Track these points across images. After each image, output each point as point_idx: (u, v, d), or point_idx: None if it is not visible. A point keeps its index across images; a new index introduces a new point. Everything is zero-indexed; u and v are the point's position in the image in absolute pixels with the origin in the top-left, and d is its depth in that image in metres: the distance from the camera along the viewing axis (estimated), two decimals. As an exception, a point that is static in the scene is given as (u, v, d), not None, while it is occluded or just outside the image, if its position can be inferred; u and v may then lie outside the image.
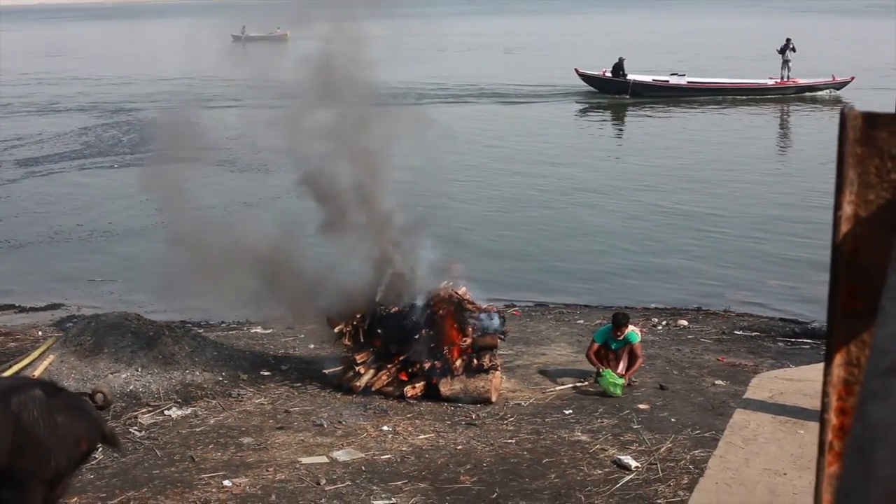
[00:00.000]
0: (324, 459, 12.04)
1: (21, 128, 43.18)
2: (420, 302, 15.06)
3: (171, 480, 11.44)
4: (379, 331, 14.89)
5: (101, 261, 23.80)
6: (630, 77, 51.13)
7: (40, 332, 18.08)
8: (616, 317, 15.14)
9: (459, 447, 12.38)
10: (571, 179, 32.60)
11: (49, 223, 27.21)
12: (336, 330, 15.21)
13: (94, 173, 31.72)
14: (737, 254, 24.00)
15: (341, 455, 12.15)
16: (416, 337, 14.73)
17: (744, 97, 50.54)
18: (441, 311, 14.94)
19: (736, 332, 18.21)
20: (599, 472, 11.50)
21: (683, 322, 18.86)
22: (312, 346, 17.32)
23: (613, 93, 51.54)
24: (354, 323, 15.01)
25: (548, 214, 28.09)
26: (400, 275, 15.40)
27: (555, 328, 18.35)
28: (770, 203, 28.65)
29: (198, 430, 13.17)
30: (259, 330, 18.76)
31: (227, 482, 11.33)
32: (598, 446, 12.28)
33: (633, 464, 11.59)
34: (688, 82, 51.27)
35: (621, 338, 14.78)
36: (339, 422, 13.36)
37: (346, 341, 15.07)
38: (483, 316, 15.18)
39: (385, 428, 13.12)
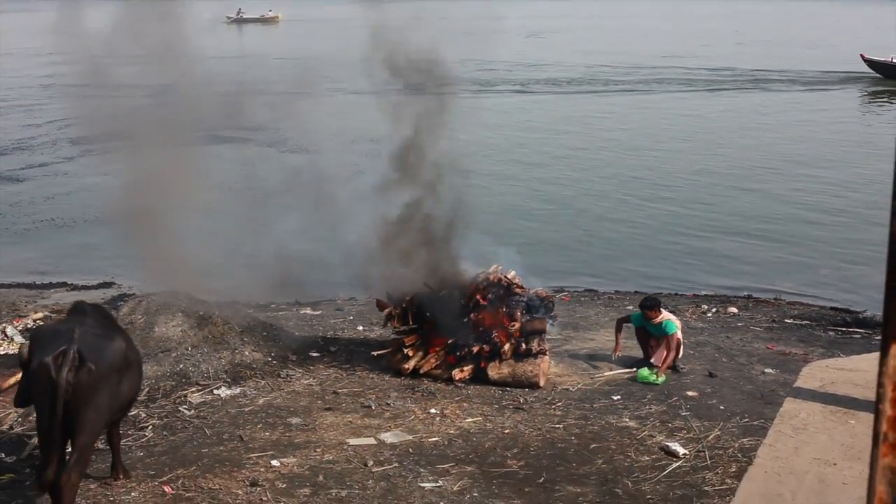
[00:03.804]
0: (371, 441, 12.08)
1: (76, 106, 43.45)
2: (469, 285, 15.06)
3: (219, 459, 11.52)
4: (428, 314, 14.89)
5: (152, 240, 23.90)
6: None
7: (92, 310, 18.22)
8: (642, 301, 15.18)
9: (507, 431, 12.38)
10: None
11: (100, 202, 27.46)
12: (385, 312, 15.24)
13: (148, 152, 32.01)
14: (789, 240, 23.84)
15: (389, 437, 12.19)
16: (465, 320, 14.73)
17: None
18: (490, 296, 14.93)
19: (786, 320, 18.08)
20: (647, 458, 11.46)
21: (733, 309, 18.76)
22: (361, 327, 17.38)
23: None
24: (403, 305, 15.02)
25: (615, 203, 28.05)
26: (450, 258, 15.40)
27: (604, 314, 18.29)
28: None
29: (247, 409, 13.25)
30: (308, 311, 18.86)
31: (275, 462, 11.40)
32: (646, 433, 12.24)
33: (681, 451, 11.55)
34: None
35: (657, 323, 14.72)
36: (387, 404, 13.39)
37: (395, 324, 15.10)
38: (531, 299, 15.20)
39: (433, 411, 13.13)
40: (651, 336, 14.89)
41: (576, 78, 56.15)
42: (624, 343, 15.76)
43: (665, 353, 14.60)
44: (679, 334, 14.75)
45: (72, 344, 9.32)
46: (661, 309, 14.94)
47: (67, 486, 9.27)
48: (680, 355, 14.76)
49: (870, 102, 48.74)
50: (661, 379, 14.26)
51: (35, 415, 9.79)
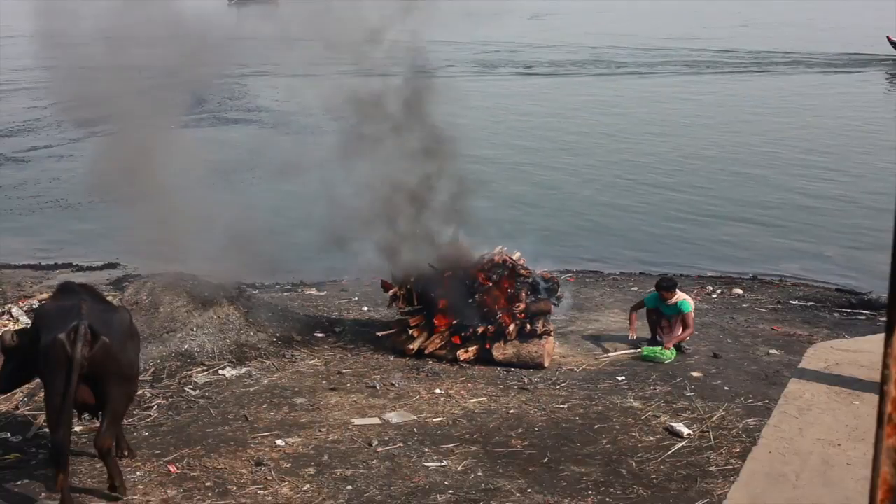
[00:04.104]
0: (376, 421, 12.11)
1: (82, 89, 43.43)
2: (474, 267, 15.06)
3: (224, 439, 11.56)
4: (433, 295, 14.89)
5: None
6: None
7: (97, 291, 18.22)
8: (659, 282, 15.13)
9: (511, 411, 12.40)
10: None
11: (97, 184, 27.43)
12: (390, 293, 15.24)
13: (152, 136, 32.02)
14: (792, 225, 23.82)
15: (393, 417, 12.21)
16: (470, 301, 14.73)
17: None
18: (495, 277, 14.93)
19: (791, 301, 18.07)
20: (651, 438, 11.49)
21: (738, 291, 18.76)
22: (366, 308, 17.39)
23: None
24: (409, 286, 15.02)
25: (617, 184, 28.03)
26: (455, 239, 15.40)
27: (609, 295, 18.30)
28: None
29: (252, 389, 13.28)
30: (313, 292, 18.87)
31: (280, 441, 11.43)
32: (650, 413, 12.25)
33: (686, 431, 11.57)
34: None
35: (671, 303, 14.71)
36: (392, 384, 13.41)
37: (400, 304, 15.10)
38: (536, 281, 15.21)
39: (437, 391, 13.15)
40: (663, 317, 14.88)
41: (579, 60, 55.98)
42: (628, 324, 15.80)
43: (681, 329, 14.61)
44: (693, 314, 14.76)
45: (82, 319, 9.37)
46: (676, 289, 14.95)
47: (103, 451, 9.56)
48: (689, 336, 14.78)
49: (890, 86, 48.62)
50: (669, 352, 14.27)
51: (44, 393, 9.84)
